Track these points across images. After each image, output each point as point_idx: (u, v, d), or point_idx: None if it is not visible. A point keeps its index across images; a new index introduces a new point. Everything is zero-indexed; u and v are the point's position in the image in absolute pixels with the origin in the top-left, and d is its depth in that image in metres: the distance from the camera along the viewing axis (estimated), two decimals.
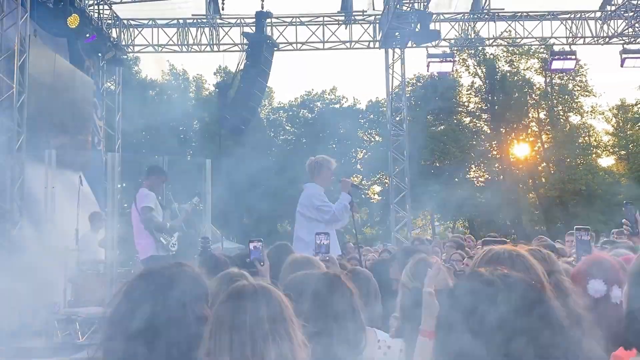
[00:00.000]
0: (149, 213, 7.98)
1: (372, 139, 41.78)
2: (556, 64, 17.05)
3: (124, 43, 16.28)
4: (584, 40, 17.14)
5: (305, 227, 6.64)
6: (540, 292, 1.42)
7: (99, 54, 14.91)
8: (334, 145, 39.87)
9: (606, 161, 38.52)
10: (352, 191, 6.85)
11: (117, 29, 16.16)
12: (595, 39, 17.07)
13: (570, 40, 17.09)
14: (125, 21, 16.28)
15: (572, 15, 16.94)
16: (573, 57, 16.71)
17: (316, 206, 6.59)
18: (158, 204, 8.29)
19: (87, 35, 13.04)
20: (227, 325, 1.65)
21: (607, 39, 16.97)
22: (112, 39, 15.37)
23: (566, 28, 17.07)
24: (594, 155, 37.02)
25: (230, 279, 2.88)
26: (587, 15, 16.95)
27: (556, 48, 17.25)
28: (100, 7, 14.95)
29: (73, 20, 12.05)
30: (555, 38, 17.19)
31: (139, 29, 16.59)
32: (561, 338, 1.38)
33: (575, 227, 3.71)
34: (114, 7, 15.41)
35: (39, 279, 9.59)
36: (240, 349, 1.62)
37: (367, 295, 3.27)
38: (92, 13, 14.27)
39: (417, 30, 14.80)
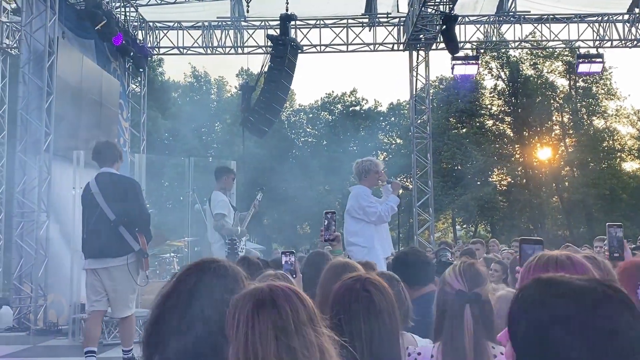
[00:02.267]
0: (221, 220, 8.31)
1: (394, 142, 41.67)
2: (583, 67, 16.83)
3: (149, 45, 16.40)
4: (612, 43, 16.91)
5: (354, 230, 6.64)
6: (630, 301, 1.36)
7: (125, 56, 15.02)
8: (354, 148, 39.84)
9: (631, 165, 38.03)
10: (402, 193, 6.95)
11: (143, 31, 16.29)
12: (623, 42, 16.83)
13: (597, 43, 16.87)
14: (150, 23, 16.40)
15: (600, 18, 16.72)
16: (600, 60, 16.50)
17: (363, 206, 6.60)
18: (230, 207, 8.60)
19: (115, 36, 13.15)
20: (242, 331, 1.63)
21: (635, 42, 16.74)
22: (138, 41, 15.50)
23: (593, 31, 16.86)
24: (618, 160, 36.54)
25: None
26: (614, 17, 16.71)
27: (582, 51, 17.06)
28: (127, 9, 15.06)
29: (100, 25, 12.22)
30: (582, 41, 16.99)
31: (164, 31, 16.71)
32: None
33: (607, 223, 3.63)
34: (140, 9, 15.52)
35: (65, 279, 9.69)
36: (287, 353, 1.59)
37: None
38: (118, 15, 14.38)
39: (443, 31, 14.73)
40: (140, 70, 16.15)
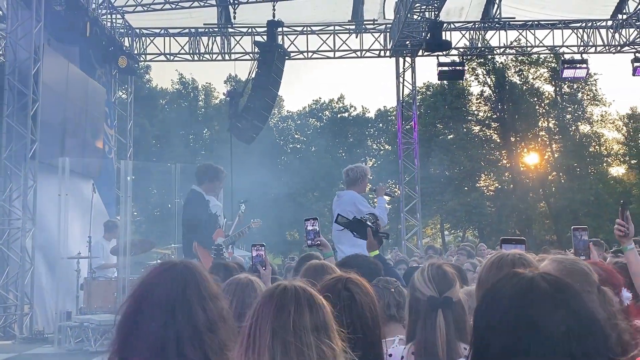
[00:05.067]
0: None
1: (382, 148, 41.80)
2: (567, 73, 17.00)
3: (136, 52, 16.38)
4: (596, 49, 17.10)
5: (346, 239, 6.61)
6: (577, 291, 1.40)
7: (112, 63, 15.01)
8: (343, 154, 39.93)
9: (617, 170, 38.36)
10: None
11: (130, 38, 16.27)
12: (607, 47, 17.02)
13: (581, 49, 17.05)
14: (137, 30, 16.39)
15: (584, 24, 16.90)
16: (584, 65, 16.66)
17: (362, 211, 6.64)
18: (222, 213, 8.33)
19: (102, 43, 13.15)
20: (267, 327, 1.65)
21: (619, 48, 16.92)
22: (124, 48, 15.47)
23: (577, 37, 17.03)
24: (604, 165, 36.84)
25: (237, 283, 2.89)
26: (598, 23, 16.90)
27: (567, 56, 17.22)
28: (113, 16, 15.05)
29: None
30: (567, 47, 17.15)
31: (151, 38, 16.70)
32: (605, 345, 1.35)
33: (572, 227, 3.69)
34: (126, 16, 15.51)
35: (51, 286, 9.64)
36: (283, 351, 1.62)
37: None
38: (104, 22, 14.37)
39: (428, 38, 14.84)
40: (128, 76, 16.14)
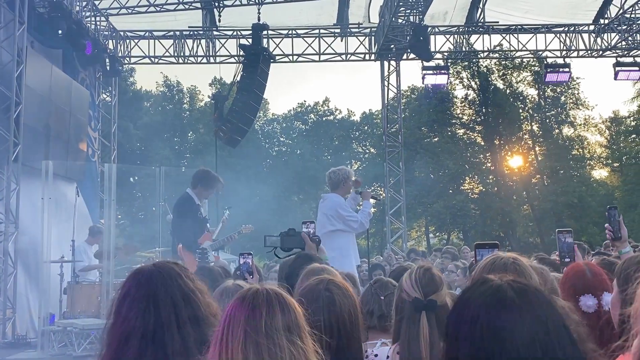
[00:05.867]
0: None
1: (367, 151, 41.89)
2: (550, 77, 17.17)
3: (120, 54, 16.31)
4: (578, 53, 17.28)
5: (329, 237, 6.63)
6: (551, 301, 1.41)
7: (95, 66, 14.94)
8: (328, 157, 39.96)
9: (600, 173, 38.76)
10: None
11: (114, 41, 16.20)
12: (589, 52, 17.21)
13: (564, 53, 17.23)
14: (121, 32, 16.32)
15: (566, 29, 17.07)
16: (567, 69, 16.84)
17: (343, 216, 6.71)
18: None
19: (84, 45, 13.06)
20: (240, 329, 1.67)
21: (601, 52, 17.12)
22: (108, 51, 15.40)
23: (560, 41, 17.20)
24: (587, 167, 37.19)
25: (223, 289, 2.90)
26: (581, 28, 17.09)
27: (550, 61, 17.40)
28: (97, 18, 14.97)
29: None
30: (550, 51, 17.33)
31: (136, 41, 16.64)
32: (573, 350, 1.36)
33: (557, 229, 3.72)
34: (110, 18, 15.44)
35: (34, 291, 9.57)
36: (255, 352, 1.64)
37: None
38: (88, 24, 14.29)
39: (413, 42, 14.92)
40: (113, 79, 16.05)
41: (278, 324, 1.68)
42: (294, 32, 16.73)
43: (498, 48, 17.73)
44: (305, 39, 16.84)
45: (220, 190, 8.55)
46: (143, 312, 1.95)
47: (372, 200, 7.25)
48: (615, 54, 16.93)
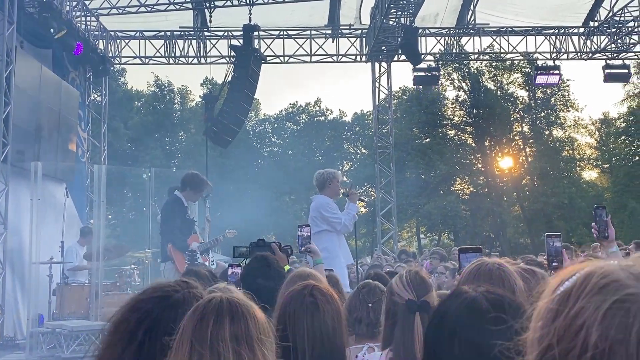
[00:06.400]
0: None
1: (359, 152, 41.93)
2: (540, 79, 17.26)
3: (110, 55, 16.26)
4: (568, 56, 17.38)
5: (317, 239, 6.71)
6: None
7: (86, 66, 14.89)
8: (320, 158, 39.96)
9: (589, 174, 38.96)
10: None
11: (104, 41, 16.14)
12: (579, 54, 17.31)
13: (554, 55, 17.32)
14: (112, 33, 16.27)
15: (556, 31, 17.17)
16: (557, 72, 16.93)
17: (325, 217, 6.75)
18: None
19: (74, 46, 13.00)
20: (187, 339, 1.67)
21: (591, 55, 17.22)
22: (99, 51, 15.35)
23: (550, 43, 17.30)
24: (577, 169, 37.37)
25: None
26: (570, 31, 17.18)
27: (540, 63, 17.48)
28: (87, 18, 14.92)
29: (60, 34, 12.04)
30: (540, 53, 17.42)
31: (126, 41, 16.59)
32: None
33: (546, 233, 3.75)
34: (101, 18, 15.38)
35: (23, 292, 9.52)
36: None
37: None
38: (79, 24, 14.24)
39: (403, 43, 14.98)
40: (103, 79, 15.99)
41: (225, 334, 1.65)
42: (285, 33, 16.73)
43: (489, 50, 17.80)
44: (296, 40, 16.85)
45: (210, 192, 8.56)
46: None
47: (359, 203, 7.27)
48: (604, 57, 17.04)
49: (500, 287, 1.78)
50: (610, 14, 15.86)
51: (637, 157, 34.28)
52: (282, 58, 16.89)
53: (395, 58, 16.99)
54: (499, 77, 35.87)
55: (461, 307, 1.43)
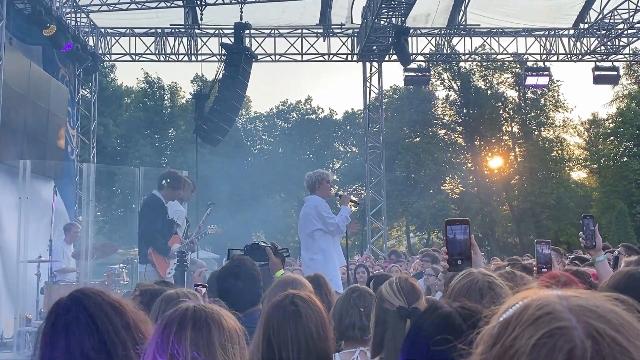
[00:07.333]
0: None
1: (349, 150, 41.96)
2: (530, 80, 17.34)
3: (100, 52, 16.17)
4: (558, 57, 17.46)
5: (313, 241, 6.71)
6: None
7: (75, 62, 14.79)
8: (310, 156, 39.96)
9: (578, 175, 39.19)
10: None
11: (94, 38, 16.04)
12: (569, 55, 17.40)
13: (544, 56, 17.40)
14: (102, 30, 16.17)
15: (547, 32, 17.24)
16: (547, 73, 17.01)
17: (323, 216, 6.75)
18: (185, 219, 8.20)
19: (64, 43, 12.91)
20: (152, 349, 1.70)
21: (580, 56, 17.31)
22: (89, 47, 15.25)
23: (540, 45, 17.37)
24: (566, 169, 37.58)
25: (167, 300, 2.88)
26: (561, 32, 17.26)
27: (530, 64, 17.56)
28: (78, 15, 14.82)
29: (49, 31, 11.94)
30: (530, 54, 17.49)
31: (117, 38, 16.50)
32: None
33: (535, 240, 3.78)
34: (91, 15, 15.29)
35: (11, 291, 9.46)
36: None
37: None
38: (69, 21, 14.14)
39: (395, 42, 15.00)
40: (92, 76, 15.90)
41: (185, 343, 1.69)
42: (276, 31, 16.70)
43: (479, 50, 17.85)
44: (287, 38, 16.82)
45: (193, 190, 8.45)
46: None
47: (352, 207, 7.28)
48: (594, 59, 17.13)
49: (492, 305, 1.79)
50: (600, 16, 15.95)
51: (625, 158, 34.51)
52: (273, 57, 16.86)
53: (387, 58, 17.01)
54: (489, 77, 36.00)
55: (435, 322, 1.45)
